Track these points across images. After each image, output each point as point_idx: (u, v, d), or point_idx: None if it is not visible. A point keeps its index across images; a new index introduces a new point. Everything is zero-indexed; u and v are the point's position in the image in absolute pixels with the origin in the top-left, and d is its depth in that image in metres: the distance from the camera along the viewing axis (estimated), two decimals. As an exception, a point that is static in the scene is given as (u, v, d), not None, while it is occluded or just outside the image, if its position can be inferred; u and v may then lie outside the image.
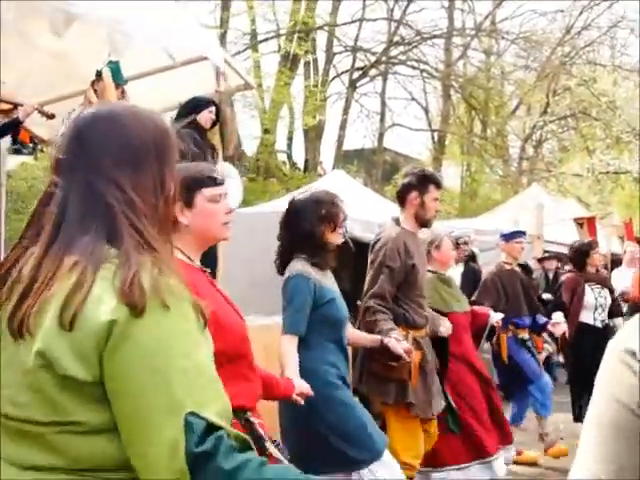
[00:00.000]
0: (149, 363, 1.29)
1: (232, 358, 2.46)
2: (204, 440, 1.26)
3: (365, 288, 4.30)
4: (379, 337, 3.94)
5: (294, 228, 3.52)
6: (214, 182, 2.48)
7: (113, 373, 1.29)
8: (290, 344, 3.39)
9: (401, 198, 4.41)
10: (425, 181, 4.35)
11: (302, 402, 3.02)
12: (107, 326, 1.28)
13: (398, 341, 3.89)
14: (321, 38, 23.72)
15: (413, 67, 24.83)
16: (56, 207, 1.41)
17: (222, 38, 17.84)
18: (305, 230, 3.47)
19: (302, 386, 3.06)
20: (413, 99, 26.07)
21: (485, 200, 23.73)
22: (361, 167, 23.62)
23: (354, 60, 24.21)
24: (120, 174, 1.41)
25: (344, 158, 22.87)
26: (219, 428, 1.30)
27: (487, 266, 7.45)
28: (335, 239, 3.54)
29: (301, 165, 22.09)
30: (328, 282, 3.55)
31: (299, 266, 3.46)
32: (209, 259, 3.23)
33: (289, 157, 22.62)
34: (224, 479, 1.27)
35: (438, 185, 4.40)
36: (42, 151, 9.44)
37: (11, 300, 1.37)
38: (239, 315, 2.59)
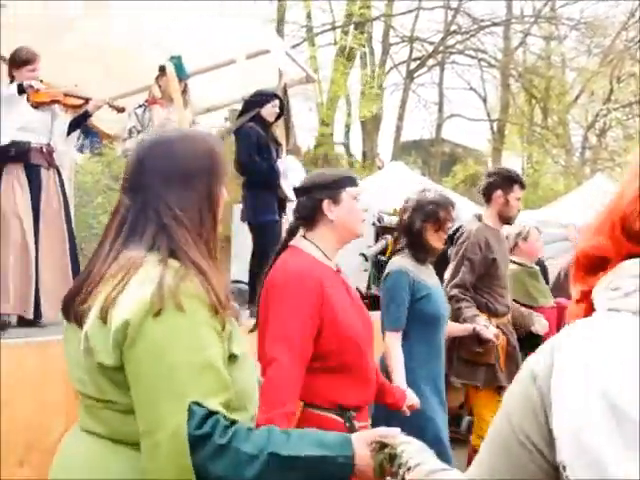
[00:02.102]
0: (159, 357, 1.52)
1: (344, 358, 2.66)
2: (203, 424, 1.50)
3: (447, 278, 4.58)
4: (471, 326, 4.25)
5: (404, 220, 3.74)
6: (355, 182, 2.82)
7: (130, 364, 1.54)
8: (395, 340, 3.56)
9: (486, 196, 4.72)
10: (510, 181, 4.65)
11: (408, 413, 3.13)
12: (126, 323, 1.52)
13: (486, 327, 4.20)
14: (377, 29, 23.70)
15: (471, 56, 24.64)
16: (117, 221, 1.72)
17: (279, 31, 17.92)
18: (411, 224, 3.69)
19: (413, 399, 3.21)
20: (471, 89, 25.88)
21: (547, 191, 23.42)
22: (419, 158, 23.52)
23: (411, 50, 24.12)
24: (169, 193, 1.68)
25: (402, 149, 22.82)
26: (217, 413, 1.53)
27: (552, 259, 7.41)
28: (436, 241, 3.70)
29: (359, 157, 22.10)
30: (426, 277, 3.68)
31: (399, 262, 3.65)
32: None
33: (347, 149, 22.64)
34: (221, 452, 1.51)
35: (522, 185, 4.72)
36: (107, 146, 9.64)
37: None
38: (364, 315, 2.81)
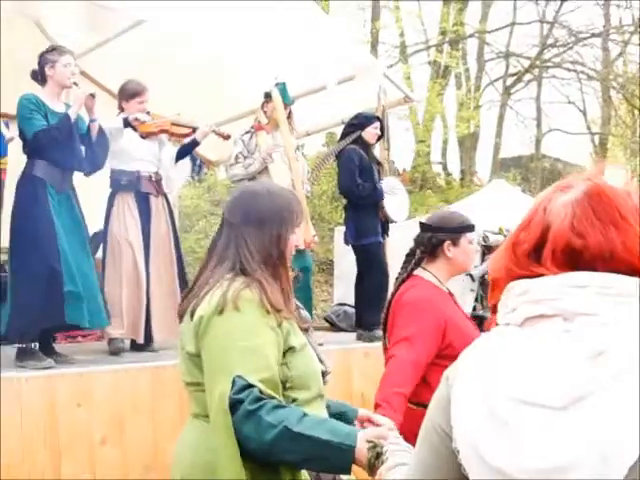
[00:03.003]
0: (219, 343, 2.01)
1: None
2: (241, 392, 1.91)
3: None
4: None
5: None
6: (472, 228, 3.36)
7: (202, 350, 2.04)
8: None
9: None
10: None
11: None
12: (200, 318, 2.05)
13: None
14: (471, 46, 23.51)
15: (569, 69, 24.11)
16: (214, 248, 2.23)
17: (373, 52, 17.98)
18: None
19: None
20: (570, 102, 25.32)
21: (653, 204, 22.59)
22: (518, 175, 23.14)
23: (507, 66, 23.80)
24: (247, 231, 2.17)
25: (501, 166, 22.50)
26: (254, 387, 1.92)
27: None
28: None
29: (456, 175, 21.90)
30: None
31: None
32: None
33: (444, 168, 22.48)
34: (248, 417, 1.89)
35: None
36: (206, 172, 9.81)
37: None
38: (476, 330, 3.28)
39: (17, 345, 4.30)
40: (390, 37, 22.30)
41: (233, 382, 1.93)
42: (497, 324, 1.31)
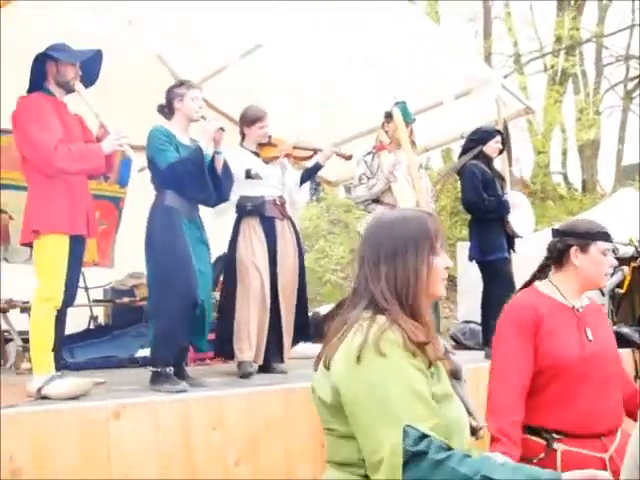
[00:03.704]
0: (373, 393, 1.85)
1: (549, 385, 2.97)
2: (419, 443, 1.76)
3: None
4: None
5: None
6: (607, 238, 3.09)
7: (347, 402, 1.90)
8: None
9: None
10: None
11: None
12: (339, 369, 1.94)
13: None
14: (589, 50, 22.90)
15: (694, 70, 23.20)
16: (353, 286, 2.15)
17: (487, 63, 17.79)
18: None
19: None
20: (697, 104, 24.32)
21: None
22: (643, 182, 22.33)
23: (627, 69, 23.08)
24: (380, 265, 2.05)
25: (624, 174, 21.78)
26: (429, 436, 1.77)
27: None
28: None
29: (578, 185, 21.33)
30: None
31: None
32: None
33: (565, 178, 21.94)
34: (437, 468, 1.73)
35: None
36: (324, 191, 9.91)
37: None
38: (601, 351, 3.04)
39: (152, 369, 4.43)
40: (503, 47, 22.02)
41: (405, 433, 1.78)
42: None
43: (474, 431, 2.16)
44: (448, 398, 2.00)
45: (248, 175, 5.27)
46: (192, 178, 4.58)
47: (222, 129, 4.67)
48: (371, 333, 1.91)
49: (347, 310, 2.08)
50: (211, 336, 5.05)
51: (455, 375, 2.16)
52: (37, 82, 4.30)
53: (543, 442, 2.94)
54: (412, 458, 1.75)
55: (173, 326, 4.45)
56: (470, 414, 2.18)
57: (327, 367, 1.99)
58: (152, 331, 4.55)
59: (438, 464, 1.73)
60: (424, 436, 1.78)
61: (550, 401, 2.96)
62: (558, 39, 20.65)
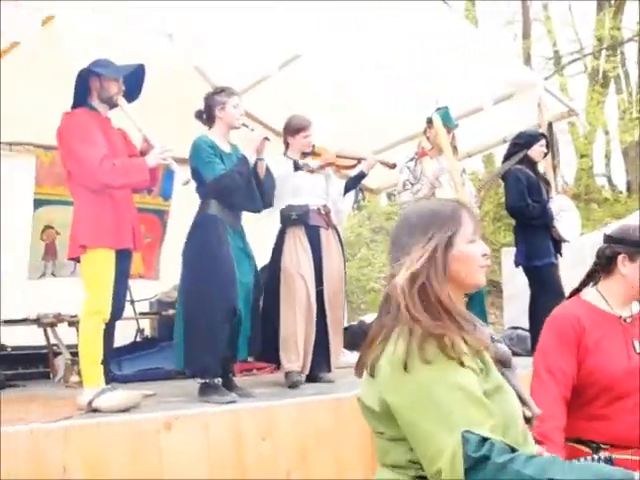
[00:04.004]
0: (426, 400, 1.77)
1: (590, 399, 2.93)
2: (480, 448, 1.68)
3: None
4: None
5: None
6: None
7: (398, 410, 1.83)
8: None
9: None
10: None
11: None
12: (384, 378, 1.86)
13: None
14: (630, 50, 22.63)
15: None
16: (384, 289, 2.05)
17: (527, 66, 17.66)
18: None
19: None
20: None
21: None
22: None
23: (671, 67, 22.75)
24: (403, 262, 1.95)
25: (672, 174, 21.45)
26: (490, 439, 1.70)
27: None
28: None
29: (622, 187, 21.05)
30: None
31: None
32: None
33: (609, 181, 21.68)
34: (502, 471, 1.66)
35: None
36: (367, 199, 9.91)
37: None
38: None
39: (200, 380, 4.45)
40: (542, 49, 21.87)
41: (464, 439, 1.70)
42: None
43: (528, 420, 2.04)
44: (500, 390, 1.92)
45: (297, 166, 5.29)
46: (240, 189, 4.62)
47: (267, 138, 4.70)
48: (413, 340, 1.83)
49: (382, 314, 1.98)
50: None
51: (504, 363, 2.03)
52: (81, 98, 4.36)
53: (588, 449, 2.88)
54: (475, 464, 1.67)
55: (215, 336, 4.46)
56: (523, 403, 2.05)
57: (372, 375, 1.92)
58: (184, 339, 4.57)
59: (502, 467, 1.66)
60: (484, 440, 1.70)
61: (595, 415, 2.91)
62: (599, 39, 20.44)
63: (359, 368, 2.01)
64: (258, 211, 4.96)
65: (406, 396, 1.81)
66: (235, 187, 4.60)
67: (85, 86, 4.36)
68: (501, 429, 1.81)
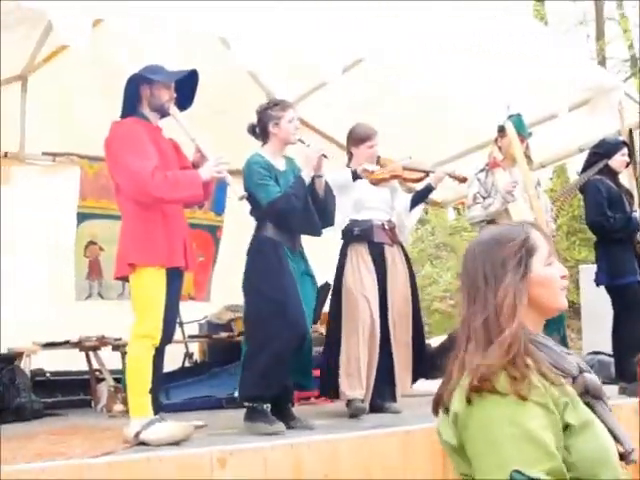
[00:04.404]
0: (486, 434, 1.80)
1: None
2: None
3: None
4: None
5: None
6: None
7: (467, 445, 1.87)
8: None
9: None
10: None
11: None
12: (455, 414, 1.88)
13: None
14: None
15: None
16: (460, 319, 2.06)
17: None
18: None
19: None
20: None
21: None
22: None
23: None
24: (475, 294, 1.97)
25: None
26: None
27: None
28: None
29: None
30: None
31: None
32: None
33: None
34: None
35: None
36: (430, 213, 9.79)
37: None
38: None
39: (247, 404, 4.41)
40: (616, 50, 21.49)
41: (511, 479, 1.72)
42: None
43: (622, 456, 1.94)
44: (588, 425, 1.86)
45: (355, 176, 5.18)
46: (296, 212, 4.54)
47: (324, 156, 4.59)
48: (479, 373, 1.84)
49: (460, 347, 1.98)
50: (314, 372, 4.96)
51: (594, 395, 1.96)
52: (131, 106, 4.30)
53: None
54: None
55: (280, 363, 4.40)
56: (616, 439, 1.95)
57: (447, 409, 1.94)
58: (246, 367, 4.54)
59: None
60: None
61: None
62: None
63: (436, 404, 2.03)
64: (318, 234, 4.84)
65: (469, 430, 1.85)
66: (290, 210, 4.53)
67: (135, 93, 4.29)
68: (582, 468, 1.80)
